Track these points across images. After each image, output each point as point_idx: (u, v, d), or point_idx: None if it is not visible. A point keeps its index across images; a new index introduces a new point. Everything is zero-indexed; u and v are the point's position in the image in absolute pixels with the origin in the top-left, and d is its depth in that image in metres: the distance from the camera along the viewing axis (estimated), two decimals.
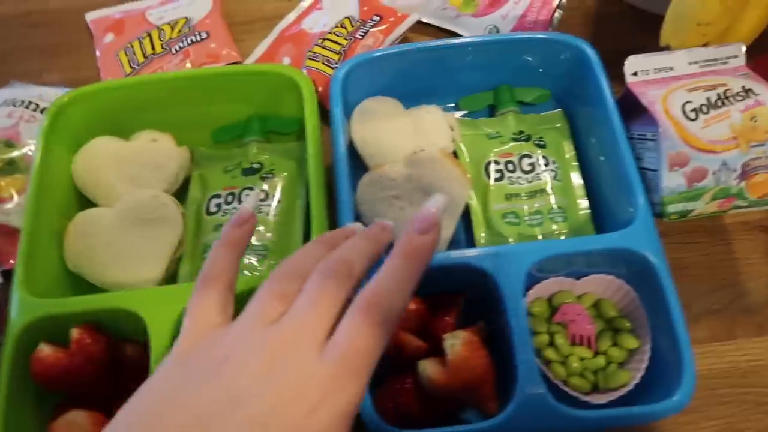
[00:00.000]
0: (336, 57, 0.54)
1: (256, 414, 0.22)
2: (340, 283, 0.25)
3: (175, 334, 0.37)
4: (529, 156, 0.49)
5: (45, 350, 0.37)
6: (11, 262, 0.47)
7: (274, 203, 0.46)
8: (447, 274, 0.41)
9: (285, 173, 0.48)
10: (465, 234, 0.48)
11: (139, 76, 0.56)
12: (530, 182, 0.48)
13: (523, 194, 0.47)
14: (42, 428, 0.38)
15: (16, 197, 0.48)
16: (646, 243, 0.39)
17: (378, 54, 0.48)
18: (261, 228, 0.45)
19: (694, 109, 0.41)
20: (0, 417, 0.36)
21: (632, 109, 0.44)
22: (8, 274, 0.47)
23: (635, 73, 0.44)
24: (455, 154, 0.50)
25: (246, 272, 0.43)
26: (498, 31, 0.57)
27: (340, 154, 0.44)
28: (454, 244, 0.47)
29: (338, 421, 0.23)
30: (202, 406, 0.22)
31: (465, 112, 0.53)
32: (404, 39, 0.58)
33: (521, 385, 0.36)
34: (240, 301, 0.39)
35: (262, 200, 0.46)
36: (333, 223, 0.42)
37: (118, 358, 0.40)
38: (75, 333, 0.38)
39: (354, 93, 0.49)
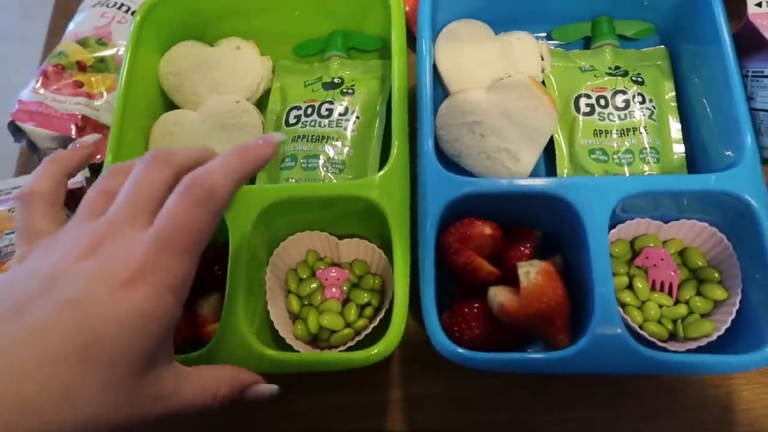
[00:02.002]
0: None
1: (69, 293, 0.22)
2: (161, 167, 0.26)
3: (252, 230, 0.38)
4: (623, 92, 0.46)
5: None
6: (98, 157, 0.49)
7: (353, 118, 0.45)
8: (526, 203, 0.39)
9: (366, 90, 0.47)
10: (546, 168, 0.46)
11: None
12: (622, 120, 0.45)
13: (613, 131, 0.44)
14: None
15: (105, 95, 0.49)
16: (750, 187, 0.36)
17: None
18: (339, 143, 0.44)
19: None
20: None
21: (750, 44, 0.40)
22: (94, 168, 0.49)
23: (759, 4, 0.40)
24: (543, 85, 0.47)
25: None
26: None
27: (425, 75, 0.42)
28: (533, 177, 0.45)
29: (157, 294, 0.23)
30: (19, 293, 0.23)
31: (557, 42, 0.50)
32: None
33: (597, 319, 0.34)
34: (283, 212, 0.39)
35: (341, 114, 0.45)
36: (413, 146, 0.41)
37: None
38: None
39: (441, 15, 0.47)
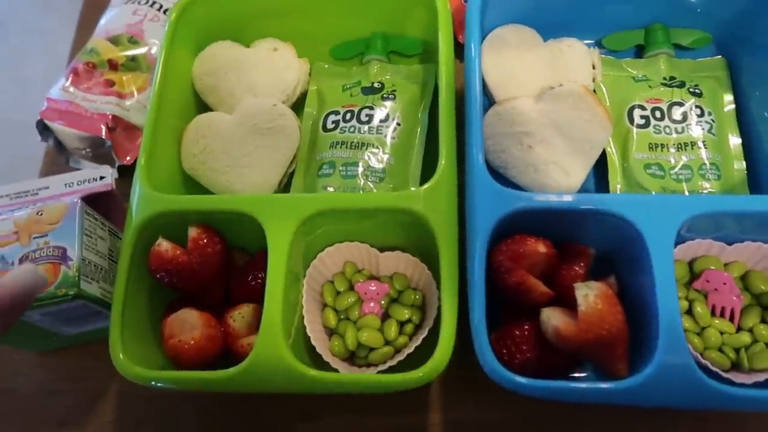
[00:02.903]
0: None
1: None
2: None
3: (292, 241, 0.36)
4: (680, 104, 0.43)
5: (164, 245, 0.36)
6: (128, 158, 0.47)
7: (393, 125, 0.43)
8: (579, 220, 0.37)
9: (407, 96, 0.45)
10: (595, 183, 0.44)
11: None
12: (680, 133, 0.42)
13: (670, 145, 0.42)
14: (153, 323, 0.38)
15: (136, 94, 0.47)
16: None
17: None
18: (379, 151, 0.42)
19: None
20: (118, 305, 0.36)
21: None
22: (123, 170, 0.47)
23: None
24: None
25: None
26: None
27: (475, 83, 0.40)
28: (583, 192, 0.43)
29: None
30: None
31: (607, 50, 0.48)
32: None
33: (662, 347, 0.32)
34: (322, 222, 0.37)
35: (382, 121, 0.43)
36: (461, 155, 0.39)
37: (228, 264, 0.39)
38: (193, 232, 0.37)
39: (488, 20, 0.45)
